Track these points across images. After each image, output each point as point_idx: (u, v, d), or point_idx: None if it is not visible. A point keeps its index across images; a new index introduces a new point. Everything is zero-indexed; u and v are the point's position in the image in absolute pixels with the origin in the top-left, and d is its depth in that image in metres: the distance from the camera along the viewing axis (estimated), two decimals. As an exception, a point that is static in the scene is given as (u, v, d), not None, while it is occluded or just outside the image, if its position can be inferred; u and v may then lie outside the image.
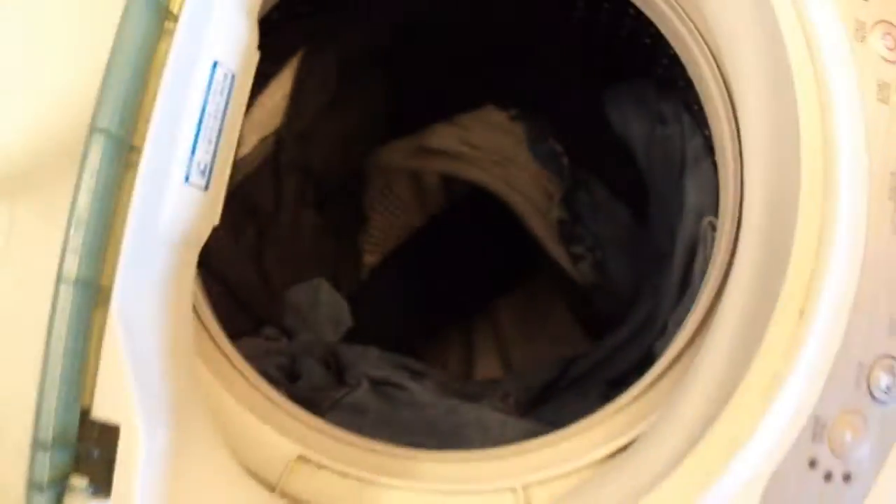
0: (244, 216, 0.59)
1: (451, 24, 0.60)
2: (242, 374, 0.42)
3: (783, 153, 0.35)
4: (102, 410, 0.32)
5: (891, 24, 0.35)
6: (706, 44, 0.45)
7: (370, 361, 0.53)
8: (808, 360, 0.31)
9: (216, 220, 0.39)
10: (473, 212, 0.72)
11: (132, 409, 0.32)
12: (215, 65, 0.37)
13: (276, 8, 0.48)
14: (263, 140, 0.55)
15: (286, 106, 0.55)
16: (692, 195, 0.50)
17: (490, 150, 0.67)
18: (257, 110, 0.54)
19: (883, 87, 0.34)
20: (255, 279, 0.60)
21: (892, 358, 0.32)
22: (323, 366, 0.53)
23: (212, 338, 0.42)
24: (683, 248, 0.49)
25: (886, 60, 0.34)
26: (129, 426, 0.32)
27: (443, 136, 0.68)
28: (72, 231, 0.33)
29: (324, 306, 0.60)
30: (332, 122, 0.59)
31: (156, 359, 0.33)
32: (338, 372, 0.54)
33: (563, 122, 0.66)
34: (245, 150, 0.53)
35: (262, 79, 0.54)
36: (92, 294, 0.33)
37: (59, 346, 0.31)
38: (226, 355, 0.41)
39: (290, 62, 0.54)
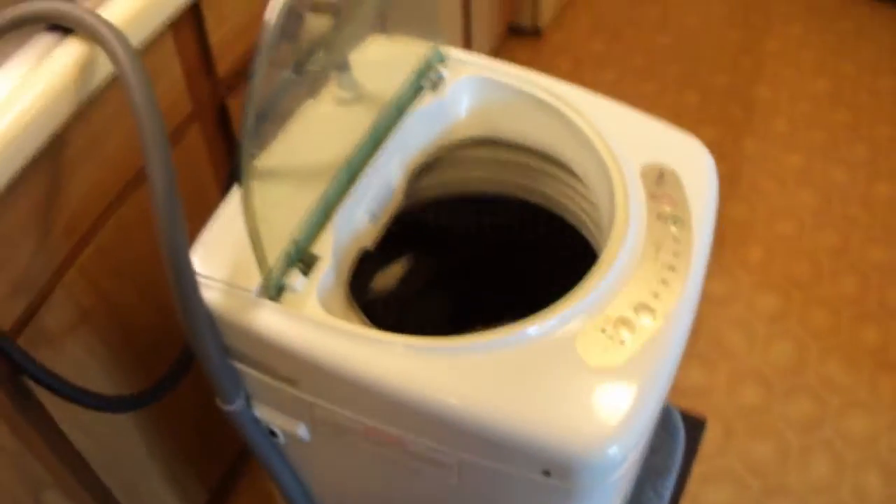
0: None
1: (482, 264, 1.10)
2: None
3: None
4: (316, 249, 0.78)
5: (670, 196, 0.83)
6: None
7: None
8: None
9: (370, 245, 0.87)
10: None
11: (329, 251, 0.77)
12: (388, 180, 0.88)
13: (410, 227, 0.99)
14: (385, 290, 1.03)
15: (400, 277, 1.05)
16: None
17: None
18: (392, 269, 1.03)
19: (661, 215, 0.82)
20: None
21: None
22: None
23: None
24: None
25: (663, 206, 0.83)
26: (324, 258, 0.77)
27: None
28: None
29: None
30: (422, 303, 1.08)
31: (341, 249, 0.80)
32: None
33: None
34: (380, 285, 1.02)
35: (394, 257, 1.04)
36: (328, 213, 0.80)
37: (310, 219, 0.78)
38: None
39: (408, 256, 1.06)
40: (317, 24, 0.72)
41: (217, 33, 1.00)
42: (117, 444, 1.12)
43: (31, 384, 0.89)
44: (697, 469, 1.47)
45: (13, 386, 0.88)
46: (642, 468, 1.23)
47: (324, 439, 0.82)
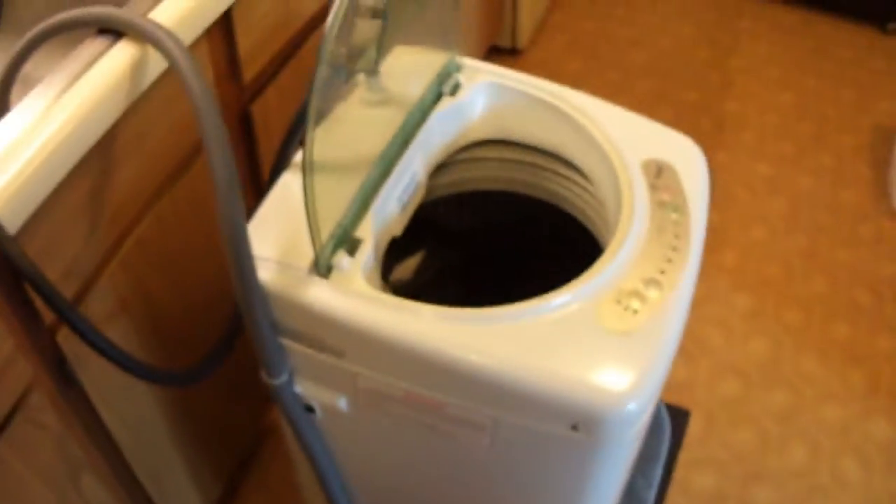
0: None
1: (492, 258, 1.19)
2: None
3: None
4: (358, 233, 0.86)
5: (668, 187, 0.93)
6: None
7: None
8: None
9: (398, 233, 0.95)
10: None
11: (370, 235, 0.86)
12: (414, 174, 0.97)
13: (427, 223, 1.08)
14: (401, 281, 1.12)
15: (415, 268, 1.13)
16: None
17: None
18: (410, 261, 1.12)
19: (662, 203, 0.92)
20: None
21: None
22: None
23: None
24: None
25: (662, 195, 0.92)
26: (367, 241, 0.86)
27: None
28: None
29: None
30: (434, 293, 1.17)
31: (377, 235, 0.88)
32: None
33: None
34: (397, 276, 1.10)
35: (411, 251, 1.13)
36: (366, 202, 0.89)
37: (352, 206, 0.87)
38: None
39: (423, 250, 1.14)
40: (363, 29, 0.81)
41: (245, 42, 1.08)
42: (146, 432, 1.18)
43: (76, 367, 0.95)
44: (683, 456, 1.57)
45: (58, 368, 0.94)
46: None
47: (362, 410, 0.90)
